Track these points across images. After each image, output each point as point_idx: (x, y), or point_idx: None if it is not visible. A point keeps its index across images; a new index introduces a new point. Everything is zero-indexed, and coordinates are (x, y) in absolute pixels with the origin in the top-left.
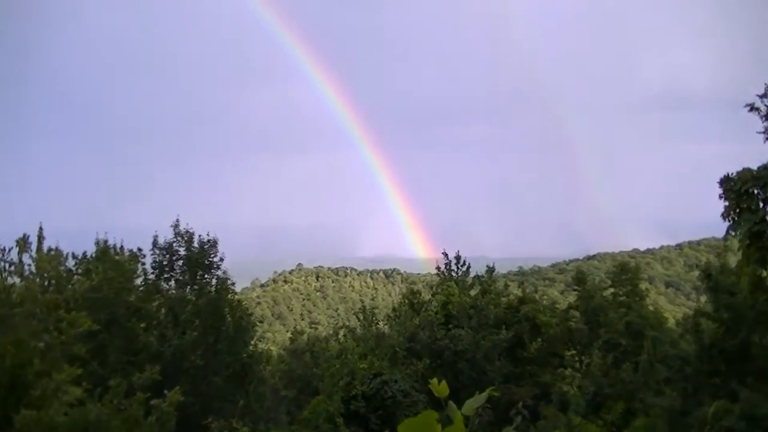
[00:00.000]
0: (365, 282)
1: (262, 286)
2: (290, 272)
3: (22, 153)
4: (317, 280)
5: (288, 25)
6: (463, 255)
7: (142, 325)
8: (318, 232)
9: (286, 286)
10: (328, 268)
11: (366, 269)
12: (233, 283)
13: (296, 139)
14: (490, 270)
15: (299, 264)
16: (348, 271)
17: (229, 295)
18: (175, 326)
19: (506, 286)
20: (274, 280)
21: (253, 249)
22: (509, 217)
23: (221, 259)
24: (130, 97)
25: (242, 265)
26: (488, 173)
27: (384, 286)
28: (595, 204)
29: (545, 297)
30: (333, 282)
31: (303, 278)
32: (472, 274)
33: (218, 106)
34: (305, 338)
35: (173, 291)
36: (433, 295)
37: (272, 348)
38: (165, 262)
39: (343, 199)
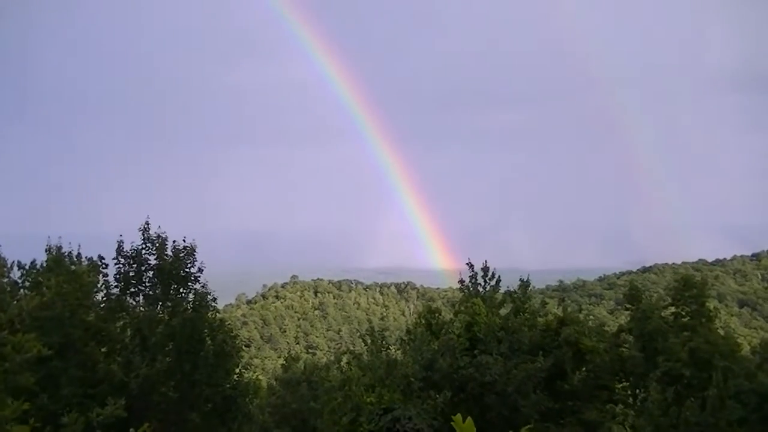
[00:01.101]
0: (373, 298)
1: (249, 302)
2: (283, 286)
3: None
4: (315, 295)
5: None
6: (491, 266)
7: (104, 349)
8: (317, 239)
9: (277, 303)
10: (329, 282)
11: (374, 283)
12: (214, 299)
13: (292, 128)
14: (525, 284)
15: (294, 276)
16: (353, 285)
17: (210, 314)
18: (143, 351)
19: (544, 303)
20: (263, 296)
21: (238, 258)
22: (547, 222)
23: (200, 270)
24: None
25: (226, 278)
26: (521, 169)
27: (396, 303)
28: (653, 206)
29: (591, 317)
30: (334, 298)
31: (298, 293)
32: (502, 290)
33: (197, 86)
34: (301, 365)
35: (141, 308)
36: (455, 315)
37: (261, 377)
38: (132, 274)
39: (347, 199)
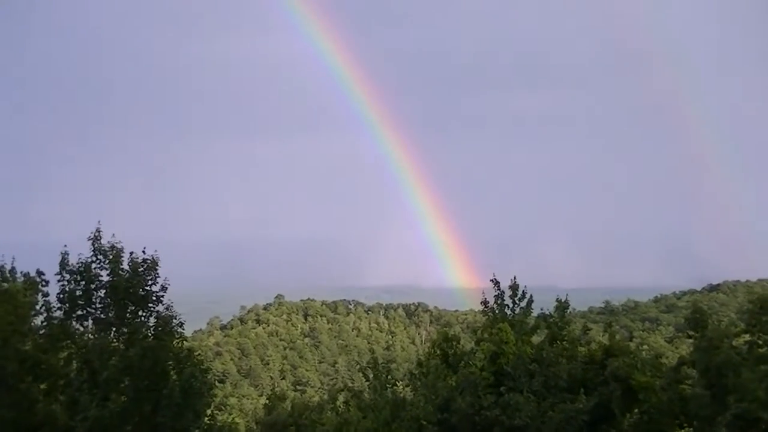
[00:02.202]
0: (376, 323)
1: (223, 328)
2: (265, 308)
3: None
4: (305, 319)
5: None
6: (521, 284)
7: (43, 386)
8: (307, 251)
9: (259, 329)
10: (323, 303)
11: (377, 304)
12: (181, 324)
13: (276, 115)
14: (562, 306)
15: (279, 296)
16: (351, 307)
17: (175, 342)
18: (93, 388)
19: (586, 330)
20: (241, 320)
21: (211, 274)
22: (590, 231)
23: (163, 288)
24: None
25: (195, 298)
26: (560, 166)
27: (404, 328)
28: (721, 211)
29: (645, 346)
30: (329, 323)
31: (285, 317)
32: (535, 312)
33: (157, 61)
34: (288, 406)
35: (90, 335)
36: (477, 343)
37: (239, 420)
38: (79, 293)
39: (344, 202)
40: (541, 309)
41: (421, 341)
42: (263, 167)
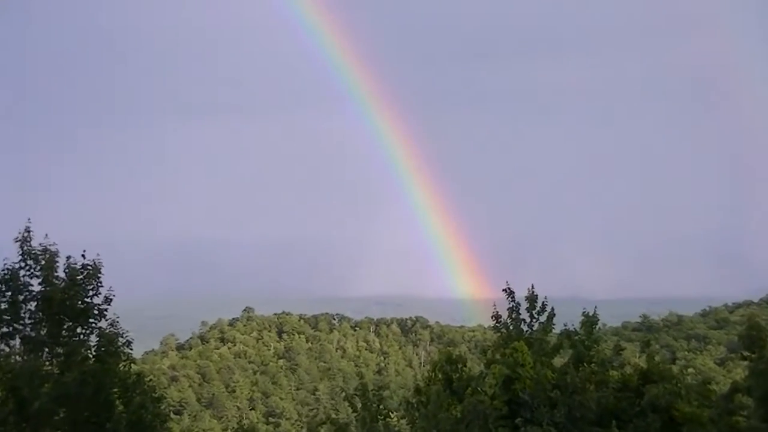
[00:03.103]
0: (365, 341)
1: (180, 348)
2: (232, 324)
3: None
4: (280, 337)
5: None
6: (540, 294)
7: None
8: (283, 255)
9: (223, 349)
10: (300, 317)
11: (367, 318)
12: (129, 343)
13: (247, 91)
14: (590, 321)
15: (248, 309)
16: (335, 323)
17: (122, 365)
18: (21, 421)
19: (619, 349)
20: (202, 338)
21: (166, 283)
22: (623, 233)
23: (107, 300)
24: None
25: (147, 311)
26: (587, 155)
27: (399, 348)
28: None
29: (690, 369)
30: (308, 341)
31: (255, 334)
32: (557, 329)
33: (101, 25)
34: None
35: (18, 357)
36: (487, 365)
37: None
38: (3, 306)
39: (329, 198)
40: (565, 324)
41: (420, 363)
42: (229, 154)
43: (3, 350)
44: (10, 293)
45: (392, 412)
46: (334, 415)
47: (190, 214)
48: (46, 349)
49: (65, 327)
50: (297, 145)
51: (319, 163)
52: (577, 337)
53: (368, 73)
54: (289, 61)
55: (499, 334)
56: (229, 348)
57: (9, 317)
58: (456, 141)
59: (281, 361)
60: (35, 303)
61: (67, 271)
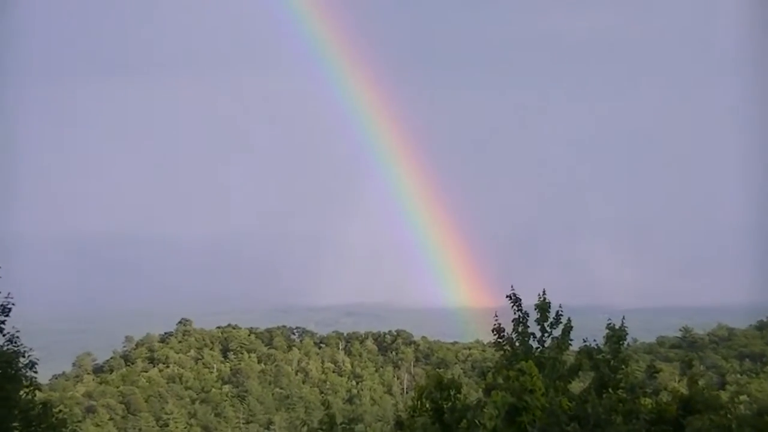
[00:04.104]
0: (333, 361)
1: (99, 370)
2: (164, 339)
3: None
4: (225, 357)
5: None
6: (554, 302)
7: None
8: (228, 254)
9: (153, 371)
10: (251, 331)
11: (335, 333)
12: (32, 365)
13: (180, 44)
14: (617, 335)
15: (184, 321)
16: (296, 337)
17: (23, 393)
18: None
19: (653, 371)
20: (126, 358)
21: (77, 286)
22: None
23: (5, 311)
24: None
25: (55, 323)
26: (609, 132)
27: (376, 370)
28: None
29: (744, 396)
30: (262, 361)
31: (193, 353)
32: (574, 345)
33: None
34: None
35: None
36: (486, 392)
37: None
38: None
39: (287, 182)
40: (585, 340)
41: (402, 389)
42: (161, 127)
43: None
44: None
45: None
46: None
47: (112, 204)
48: None
49: None
50: (247, 115)
51: (277, 138)
52: (600, 356)
53: (337, 24)
54: (236, 8)
55: (501, 352)
56: (160, 370)
57: None
58: (448, 111)
59: (227, 386)
60: None
61: None
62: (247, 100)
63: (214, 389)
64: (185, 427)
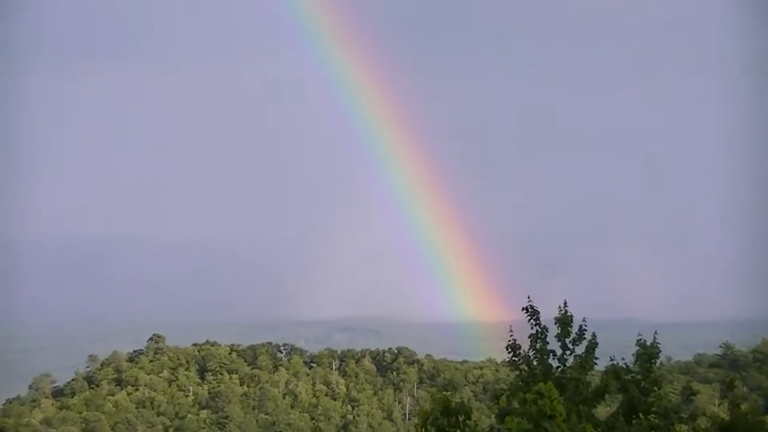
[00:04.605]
0: (326, 383)
1: (59, 394)
2: (132, 358)
3: None
4: (203, 378)
5: None
6: (576, 315)
7: None
8: (208, 260)
9: (121, 394)
10: (233, 348)
11: (328, 350)
12: None
13: (155, 29)
14: (648, 352)
15: (156, 337)
16: (283, 355)
17: None
18: None
19: (690, 393)
20: (90, 380)
21: (32, 296)
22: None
23: None
24: None
25: (11, 344)
26: (643, 121)
27: (374, 393)
28: None
29: None
30: (244, 383)
31: (166, 373)
32: (600, 364)
33: None
34: None
35: None
36: (500, 418)
37: None
38: None
39: (274, 181)
40: (612, 358)
41: (404, 415)
42: (130, 117)
43: None
44: None
45: None
46: None
47: (68, 204)
48: None
49: None
50: (228, 103)
51: (261, 129)
52: (629, 377)
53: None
54: None
55: (517, 372)
56: (129, 393)
57: None
58: (454, 97)
59: (204, 412)
60: None
61: None
62: (227, 87)
63: (190, 415)
64: None
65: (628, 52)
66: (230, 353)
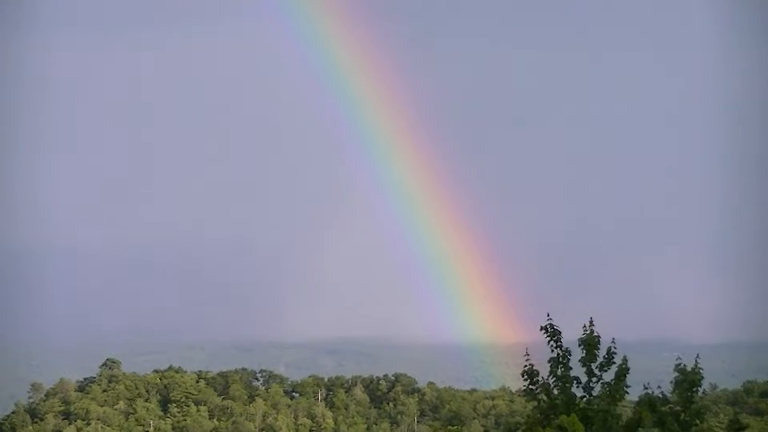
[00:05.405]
0: (310, 415)
1: (6, 422)
2: (83, 388)
3: None
4: (165, 410)
5: None
6: (604, 335)
7: None
8: (171, 271)
9: (69, 430)
10: (201, 376)
11: (313, 377)
12: None
13: None
14: (688, 379)
15: (110, 362)
16: (260, 383)
17: None
18: None
19: (737, 427)
20: (33, 413)
21: None
22: (738, 242)
23: None
24: None
25: None
26: (683, 108)
27: (368, 426)
28: None
29: None
30: (213, 416)
31: (121, 405)
32: (632, 392)
33: None
34: None
35: None
36: None
37: None
38: None
39: (250, 176)
40: (646, 386)
41: None
42: (83, 95)
43: None
44: None
45: None
46: None
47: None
48: None
49: None
50: (198, 80)
51: (236, 118)
52: (666, 408)
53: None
54: None
55: (535, 402)
56: (78, 429)
57: None
58: (467, 78)
59: None
60: None
61: None
62: (196, 60)
63: None
64: None
65: (664, 43)
66: (197, 381)
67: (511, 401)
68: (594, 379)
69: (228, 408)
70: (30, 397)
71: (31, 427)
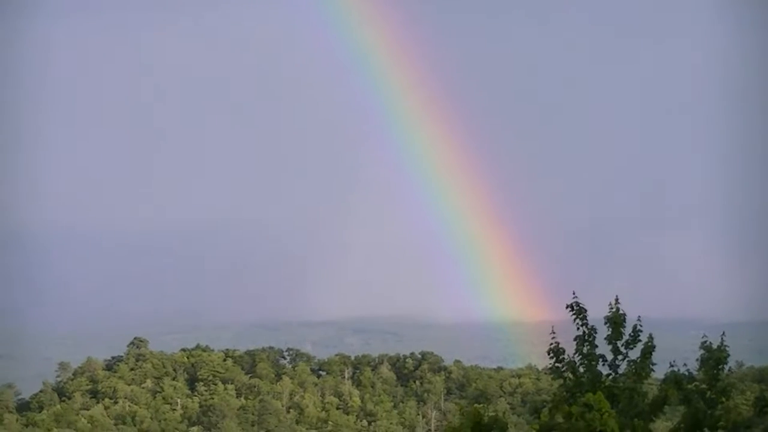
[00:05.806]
0: (337, 393)
1: (24, 407)
2: (110, 366)
3: None
4: (193, 389)
5: None
6: (630, 313)
7: None
8: (196, 251)
9: (97, 408)
10: (227, 355)
11: (340, 356)
12: None
13: None
14: (714, 357)
15: (138, 341)
16: (287, 362)
17: None
18: None
19: (764, 405)
20: (61, 392)
21: None
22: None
23: None
24: None
25: None
26: (700, 116)
27: (395, 404)
28: None
29: None
30: (241, 395)
31: (150, 383)
32: (658, 370)
33: None
34: None
35: None
36: (541, 431)
37: None
38: None
39: (274, 156)
40: (672, 364)
41: (430, 431)
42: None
43: None
44: None
45: None
46: None
47: (39, 191)
48: None
49: None
50: (217, 60)
51: (260, 98)
52: (692, 386)
53: None
54: None
55: (561, 380)
56: (106, 407)
57: None
58: (489, 61)
59: (195, 428)
60: None
61: None
62: (213, 39)
63: (177, 431)
64: None
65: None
66: (224, 360)
67: (537, 379)
68: (620, 357)
69: (255, 386)
70: (58, 376)
71: (58, 406)
